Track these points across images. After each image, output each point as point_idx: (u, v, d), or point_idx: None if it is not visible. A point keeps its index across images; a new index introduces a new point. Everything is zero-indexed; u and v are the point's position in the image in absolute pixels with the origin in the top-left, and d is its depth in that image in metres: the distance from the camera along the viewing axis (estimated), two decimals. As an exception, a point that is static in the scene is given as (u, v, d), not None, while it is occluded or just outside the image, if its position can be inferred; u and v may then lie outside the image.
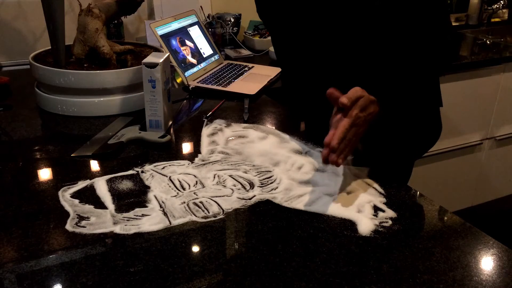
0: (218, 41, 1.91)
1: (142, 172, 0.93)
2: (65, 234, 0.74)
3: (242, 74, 1.54)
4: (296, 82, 1.21)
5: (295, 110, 1.26)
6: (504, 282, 0.66)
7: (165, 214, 0.79)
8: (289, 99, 1.28)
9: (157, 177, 0.91)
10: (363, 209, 0.82)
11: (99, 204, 0.82)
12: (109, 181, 0.89)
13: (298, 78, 1.19)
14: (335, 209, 0.82)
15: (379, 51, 1.06)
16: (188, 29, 1.56)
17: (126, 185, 0.88)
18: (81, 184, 0.88)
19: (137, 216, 0.79)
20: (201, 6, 1.92)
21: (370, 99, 0.92)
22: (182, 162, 0.97)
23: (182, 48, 1.49)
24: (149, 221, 0.78)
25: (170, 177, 0.91)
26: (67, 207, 0.81)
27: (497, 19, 2.71)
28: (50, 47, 1.27)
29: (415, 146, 1.22)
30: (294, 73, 1.19)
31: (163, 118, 1.09)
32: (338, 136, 0.86)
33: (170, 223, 0.77)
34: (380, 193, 0.87)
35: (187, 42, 1.53)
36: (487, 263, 0.70)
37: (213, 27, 1.89)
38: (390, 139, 1.14)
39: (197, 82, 1.43)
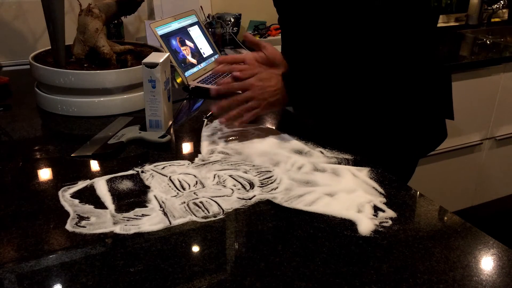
0: (218, 41, 1.91)
1: (142, 172, 0.93)
2: (65, 234, 0.74)
3: (242, 74, 1.54)
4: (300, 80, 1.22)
5: (296, 110, 1.26)
6: (504, 282, 0.66)
7: (165, 214, 0.79)
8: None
9: (157, 177, 0.91)
10: (363, 209, 0.82)
11: (99, 204, 0.82)
12: (109, 181, 0.89)
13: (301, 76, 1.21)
14: (335, 209, 0.82)
15: (379, 50, 1.06)
16: (188, 29, 1.56)
17: (126, 185, 0.88)
18: (81, 184, 0.88)
19: (137, 216, 0.79)
20: (201, 6, 1.92)
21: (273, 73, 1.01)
22: (182, 162, 0.97)
23: (182, 48, 1.49)
24: (149, 221, 0.78)
25: (170, 177, 0.91)
26: (67, 207, 0.81)
27: (497, 19, 2.71)
28: (50, 47, 1.27)
29: (411, 146, 1.22)
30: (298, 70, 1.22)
31: (163, 118, 1.09)
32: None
33: (170, 223, 0.77)
34: (380, 193, 0.87)
35: (187, 42, 1.53)
36: (487, 263, 0.70)
37: (213, 27, 1.89)
38: (384, 137, 1.15)
39: (197, 82, 1.43)
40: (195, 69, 1.49)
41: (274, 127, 1.15)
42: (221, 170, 0.94)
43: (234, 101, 1.04)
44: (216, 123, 1.16)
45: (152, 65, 1.04)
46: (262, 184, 0.89)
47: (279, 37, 1.96)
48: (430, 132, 1.22)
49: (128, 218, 0.78)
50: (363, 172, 0.94)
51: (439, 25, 2.54)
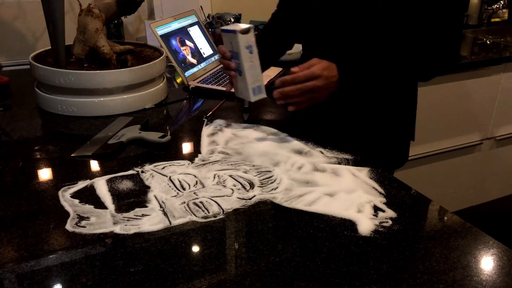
0: (218, 41, 1.91)
1: (142, 172, 0.93)
2: (65, 234, 0.74)
3: (242, 74, 1.54)
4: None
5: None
6: (504, 282, 0.66)
7: (165, 214, 0.79)
8: None
9: (157, 177, 0.91)
10: (363, 209, 0.82)
11: (99, 204, 0.82)
12: (109, 181, 0.89)
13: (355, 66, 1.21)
14: (335, 209, 0.82)
15: (383, 51, 1.06)
16: (188, 29, 1.56)
17: (126, 185, 0.88)
18: (81, 184, 0.88)
19: (137, 216, 0.79)
20: (201, 6, 1.92)
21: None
22: (182, 162, 0.97)
23: (182, 48, 1.49)
24: (149, 221, 0.78)
25: (170, 177, 0.91)
26: (67, 207, 0.81)
27: (497, 19, 2.71)
28: (50, 47, 1.27)
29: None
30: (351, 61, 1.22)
31: (263, 82, 1.08)
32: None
33: (170, 223, 0.77)
34: (380, 193, 0.87)
35: (187, 42, 1.53)
36: (487, 263, 0.70)
37: (213, 27, 1.89)
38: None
39: (197, 82, 1.43)
40: (195, 69, 1.49)
41: (274, 127, 1.15)
42: (221, 170, 0.94)
43: (298, 90, 0.98)
44: (216, 123, 1.16)
45: (246, 31, 0.99)
46: (262, 184, 0.89)
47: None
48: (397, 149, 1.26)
49: (128, 218, 0.78)
50: (363, 172, 0.94)
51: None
